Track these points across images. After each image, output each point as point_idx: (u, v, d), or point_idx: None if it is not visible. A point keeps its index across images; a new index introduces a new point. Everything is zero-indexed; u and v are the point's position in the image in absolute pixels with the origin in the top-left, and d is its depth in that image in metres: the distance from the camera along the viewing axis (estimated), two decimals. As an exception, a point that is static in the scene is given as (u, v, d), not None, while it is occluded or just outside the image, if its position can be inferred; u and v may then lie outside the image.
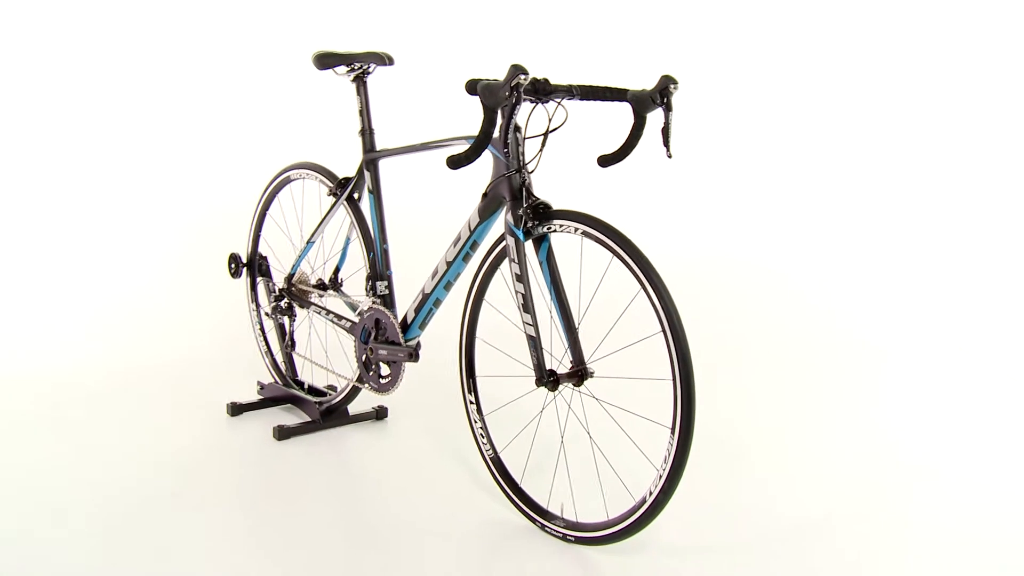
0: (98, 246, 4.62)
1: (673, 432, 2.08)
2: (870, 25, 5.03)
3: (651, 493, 2.14)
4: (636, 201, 4.89)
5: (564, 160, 3.27)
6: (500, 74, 2.15)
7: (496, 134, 2.17)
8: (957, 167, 4.92)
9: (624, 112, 2.38)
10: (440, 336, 3.04)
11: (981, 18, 4.87)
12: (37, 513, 2.56)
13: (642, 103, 2.34)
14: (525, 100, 2.23)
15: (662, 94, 2.30)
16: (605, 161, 2.42)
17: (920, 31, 4.97)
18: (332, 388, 3.46)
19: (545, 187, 2.49)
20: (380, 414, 3.37)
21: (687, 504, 2.51)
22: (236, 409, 3.41)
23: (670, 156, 2.34)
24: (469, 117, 3.25)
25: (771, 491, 2.72)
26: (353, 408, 3.33)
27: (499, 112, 2.16)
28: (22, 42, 4.52)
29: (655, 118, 2.37)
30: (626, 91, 2.36)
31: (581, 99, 2.32)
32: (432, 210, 4.27)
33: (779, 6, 5.10)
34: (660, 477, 2.11)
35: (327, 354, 3.39)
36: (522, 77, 2.10)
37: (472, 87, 2.17)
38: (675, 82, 2.30)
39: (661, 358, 2.09)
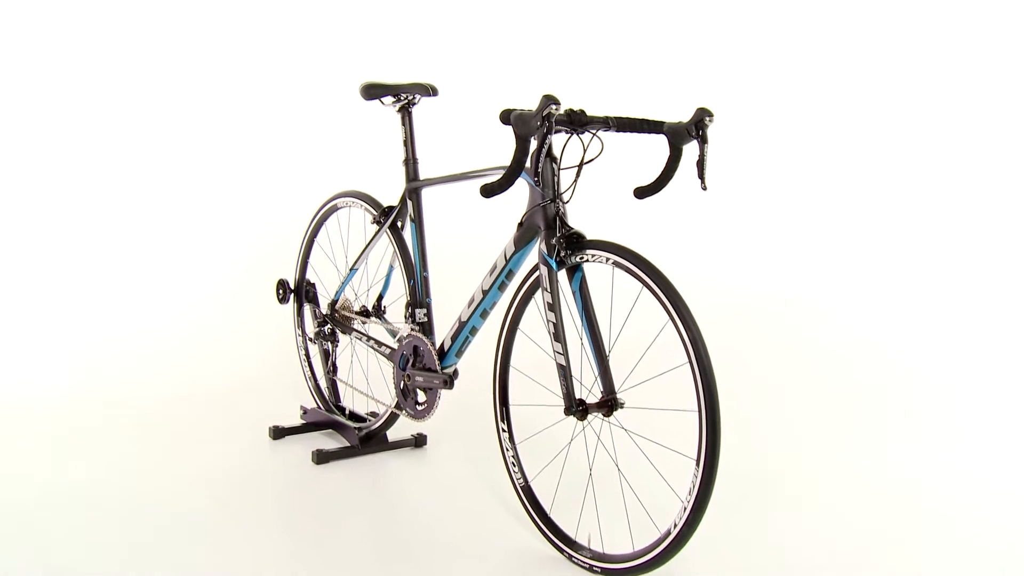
0: (152, 271, 4.75)
1: (698, 464, 2.06)
2: (905, 61, 5.00)
3: (676, 525, 2.12)
4: (671, 233, 4.90)
5: (601, 191, 3.29)
6: (535, 104, 2.18)
7: (528, 163, 2.20)
8: (979, 199, 4.84)
9: (660, 144, 2.40)
10: (481, 365, 3.06)
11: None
12: (82, 530, 2.63)
13: (678, 135, 2.35)
14: (561, 131, 2.27)
15: (698, 126, 2.31)
16: (641, 193, 2.43)
17: (954, 64, 4.93)
18: (373, 415, 3.49)
19: (581, 218, 2.51)
20: (419, 441, 3.39)
21: (714, 537, 2.49)
22: (278, 433, 3.46)
23: (705, 188, 2.35)
24: (510, 147, 3.31)
25: (799, 525, 2.68)
26: (392, 435, 3.36)
27: (531, 141, 2.19)
28: (86, 77, 4.69)
29: (691, 150, 2.37)
30: (662, 123, 2.37)
31: (617, 131, 2.34)
32: (472, 239, 4.31)
33: (817, 40, 5.10)
34: (685, 509, 2.09)
35: (368, 380, 3.43)
36: (553, 107, 2.13)
37: (506, 117, 2.21)
38: (711, 115, 2.30)
39: (690, 389, 2.08)
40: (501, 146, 3.45)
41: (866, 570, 2.40)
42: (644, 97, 4.95)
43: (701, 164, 2.33)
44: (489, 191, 2.20)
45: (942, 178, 4.96)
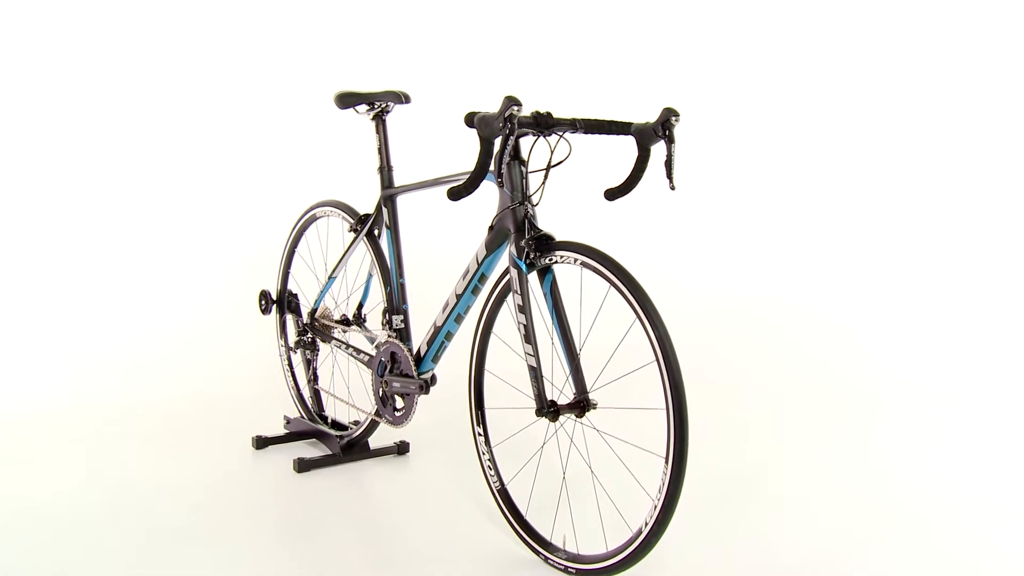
0: (134, 284, 4.75)
1: (667, 462, 2.06)
2: (874, 57, 5.04)
3: (647, 524, 2.12)
4: (641, 233, 4.94)
5: (571, 193, 3.30)
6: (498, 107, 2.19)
7: (492, 165, 2.21)
8: (960, 200, 4.88)
9: (629, 145, 2.40)
10: (464, 371, 3.06)
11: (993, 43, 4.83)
12: (65, 539, 2.63)
13: (645, 136, 2.36)
14: (528, 133, 2.28)
15: (664, 126, 2.32)
16: (612, 194, 2.43)
17: (924, 59, 4.96)
18: (357, 423, 3.49)
19: (552, 220, 2.52)
20: (402, 448, 3.39)
21: (690, 537, 2.50)
22: (261, 442, 3.47)
23: (673, 188, 2.36)
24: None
25: (775, 523, 2.68)
26: (375, 443, 3.36)
27: (495, 143, 2.20)
28: (66, 86, 4.71)
29: (659, 150, 2.38)
30: (630, 124, 2.38)
31: (585, 132, 2.35)
32: (448, 244, 4.32)
33: (781, 38, 5.14)
34: (655, 508, 2.09)
35: (348, 388, 3.43)
36: (515, 108, 2.14)
37: (470, 120, 2.22)
38: (677, 114, 2.31)
39: (660, 388, 2.09)
40: (474, 151, 3.47)
41: (846, 570, 2.39)
42: (612, 99, 4.98)
43: (669, 164, 2.34)
44: (456, 194, 2.21)
45: (912, 171, 5.00)
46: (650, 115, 2.41)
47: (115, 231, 4.78)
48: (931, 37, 5.00)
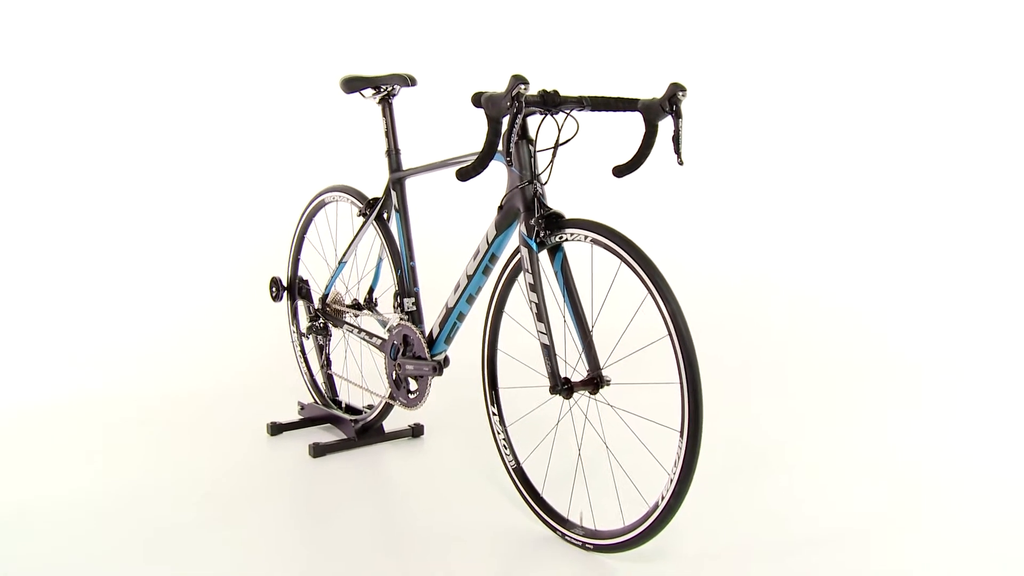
0: (145, 274, 4.76)
1: (682, 435, 2.07)
2: (885, 28, 5.01)
3: (663, 498, 2.13)
4: (649, 208, 4.93)
5: (580, 171, 3.30)
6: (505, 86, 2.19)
7: (500, 145, 2.21)
8: (974, 177, 4.87)
9: (636, 122, 2.40)
10: (476, 353, 3.07)
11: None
12: (82, 527, 2.65)
13: (652, 112, 2.36)
14: (535, 112, 2.28)
15: (671, 102, 2.32)
16: (620, 171, 2.43)
17: (941, 43, 4.93)
18: (371, 407, 3.51)
19: (561, 198, 2.52)
20: (416, 431, 3.41)
21: (706, 511, 2.51)
22: (276, 429, 3.48)
23: (681, 163, 2.35)
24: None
25: (791, 498, 2.69)
26: (390, 426, 3.38)
27: (503, 122, 2.20)
28: (69, 79, 4.71)
29: (666, 126, 2.38)
30: (636, 101, 2.38)
31: (592, 110, 2.35)
32: (458, 225, 4.32)
33: (790, 10, 5.11)
34: (671, 481, 2.10)
35: (362, 373, 3.44)
36: (522, 87, 2.14)
37: (477, 99, 2.22)
38: (683, 89, 2.31)
39: (674, 362, 2.09)
40: (481, 132, 3.47)
41: (862, 545, 2.40)
42: (618, 76, 4.97)
43: (676, 139, 2.34)
44: (464, 174, 2.21)
45: (924, 155, 4.97)
46: (656, 91, 2.41)
47: (125, 221, 4.79)
48: (942, 25, 4.96)
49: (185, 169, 4.90)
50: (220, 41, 4.93)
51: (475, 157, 2.48)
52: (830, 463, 2.99)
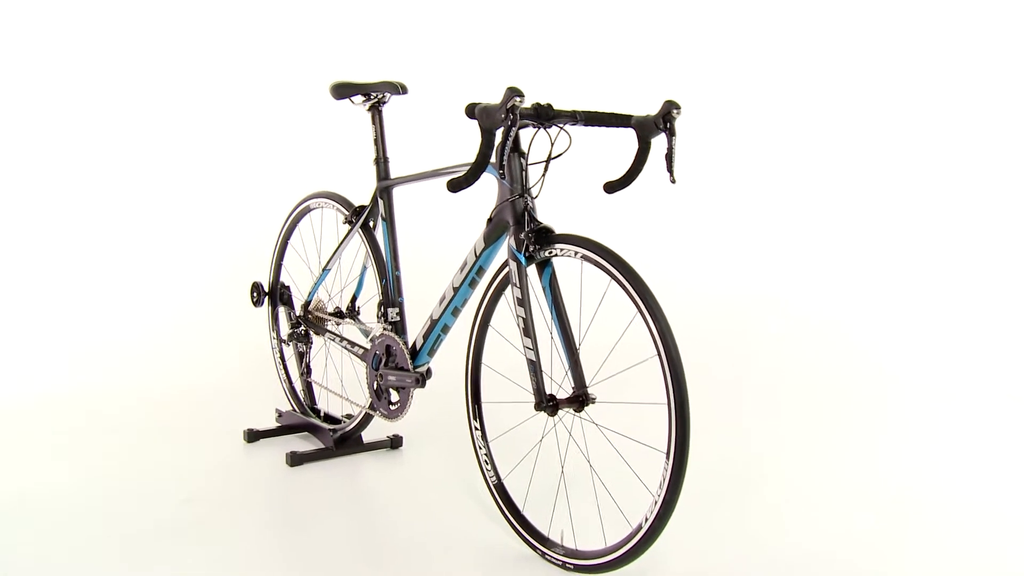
0: (124, 275, 4.71)
1: (668, 457, 2.05)
2: (877, 49, 5.04)
3: (647, 519, 2.10)
4: (640, 226, 4.92)
5: (571, 186, 3.28)
6: (500, 98, 2.17)
7: (494, 157, 2.19)
8: (966, 196, 4.88)
9: (628, 138, 2.38)
10: (459, 365, 3.04)
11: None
12: (52, 536, 2.59)
13: (646, 128, 2.34)
14: (528, 125, 2.26)
15: (665, 119, 2.30)
16: (611, 187, 2.41)
17: (924, 54, 4.96)
18: (349, 416, 3.47)
19: (551, 213, 2.50)
20: (395, 443, 3.37)
21: (690, 533, 2.48)
22: (253, 436, 3.44)
23: (674, 181, 2.34)
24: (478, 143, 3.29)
25: (776, 520, 2.66)
26: (368, 436, 3.33)
27: (496, 135, 2.17)
28: (56, 79, 4.65)
29: (659, 143, 2.36)
30: (630, 117, 2.36)
31: (585, 124, 2.33)
32: (444, 237, 4.29)
33: (784, 31, 5.13)
34: (656, 503, 2.08)
35: (342, 381, 3.40)
36: (517, 99, 2.12)
37: (470, 111, 2.19)
38: (678, 107, 2.29)
39: (662, 382, 2.07)
40: (472, 142, 3.43)
41: (844, 568, 2.38)
42: (610, 91, 4.96)
43: (670, 157, 2.32)
44: (456, 186, 2.18)
45: (912, 166, 4.99)
46: (650, 108, 2.39)
47: (106, 222, 4.73)
48: (930, 32, 4.99)
49: (171, 171, 4.84)
50: (211, 44, 4.89)
51: (466, 168, 2.47)
52: (817, 484, 2.96)
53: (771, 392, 4.06)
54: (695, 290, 4.85)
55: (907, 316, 4.66)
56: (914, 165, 4.99)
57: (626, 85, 5.03)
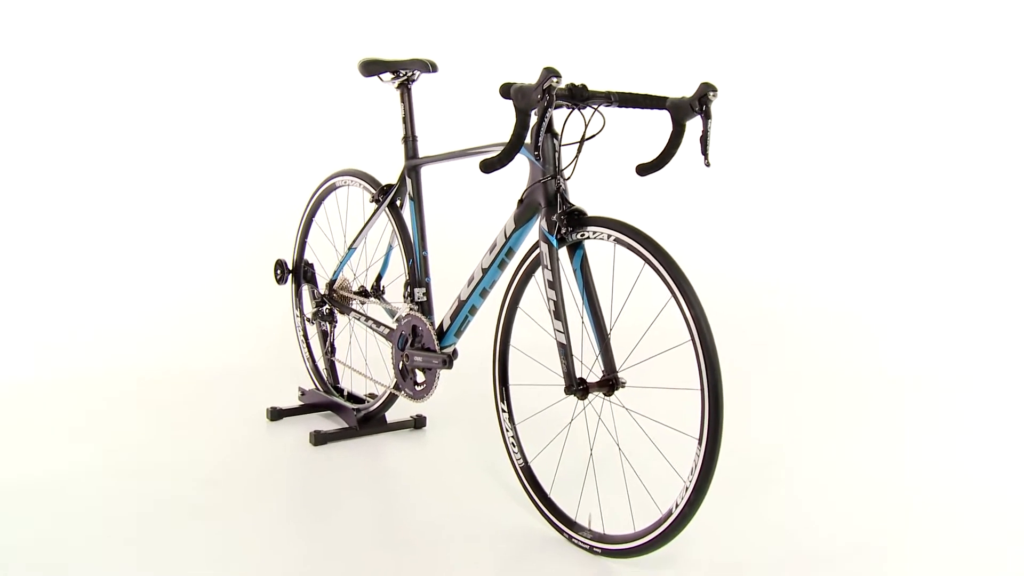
0: (147, 251, 4.71)
1: (700, 443, 2.03)
2: (918, 35, 4.95)
3: (677, 505, 2.09)
4: (673, 210, 4.86)
5: (602, 168, 3.25)
6: (536, 78, 2.14)
7: (528, 138, 2.16)
8: (996, 198, 4.81)
9: (663, 120, 2.35)
10: (482, 349, 3.02)
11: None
12: (77, 514, 2.59)
13: (681, 111, 2.31)
14: (562, 106, 2.23)
15: (701, 101, 2.26)
16: (644, 170, 2.38)
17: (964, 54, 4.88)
18: (372, 396, 3.47)
19: (582, 195, 2.47)
20: (418, 423, 3.36)
21: (717, 519, 2.46)
22: (276, 414, 3.44)
23: (708, 165, 2.31)
24: (511, 123, 3.26)
25: (803, 508, 2.64)
26: (392, 416, 3.33)
27: (531, 116, 2.15)
28: (70, 58, 4.63)
29: (694, 126, 2.33)
30: (665, 99, 2.33)
31: (619, 106, 2.30)
32: (472, 217, 4.27)
33: (825, 15, 5.04)
34: (687, 489, 2.06)
35: (367, 361, 3.39)
36: (554, 80, 2.09)
37: (505, 90, 2.17)
38: (714, 89, 2.26)
39: (693, 368, 2.05)
40: (502, 122, 3.39)
41: (874, 554, 2.36)
42: (646, 71, 4.90)
43: (705, 140, 2.28)
44: (489, 166, 2.16)
45: (956, 164, 4.92)
46: (683, 90, 2.36)
47: (133, 201, 4.72)
48: (962, 33, 4.91)
49: (198, 149, 4.83)
50: (240, 20, 4.86)
51: (500, 148, 2.45)
52: (836, 473, 2.94)
53: (797, 379, 4.03)
54: (724, 275, 4.80)
55: (929, 307, 4.62)
56: (954, 156, 4.91)
57: (658, 66, 4.97)
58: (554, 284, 2.28)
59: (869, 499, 2.72)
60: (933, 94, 4.96)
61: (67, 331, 4.35)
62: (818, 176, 5.07)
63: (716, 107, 2.28)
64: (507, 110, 2.25)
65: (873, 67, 5.03)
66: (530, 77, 2.13)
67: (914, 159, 4.97)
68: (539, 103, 2.11)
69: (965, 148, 4.92)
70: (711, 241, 4.95)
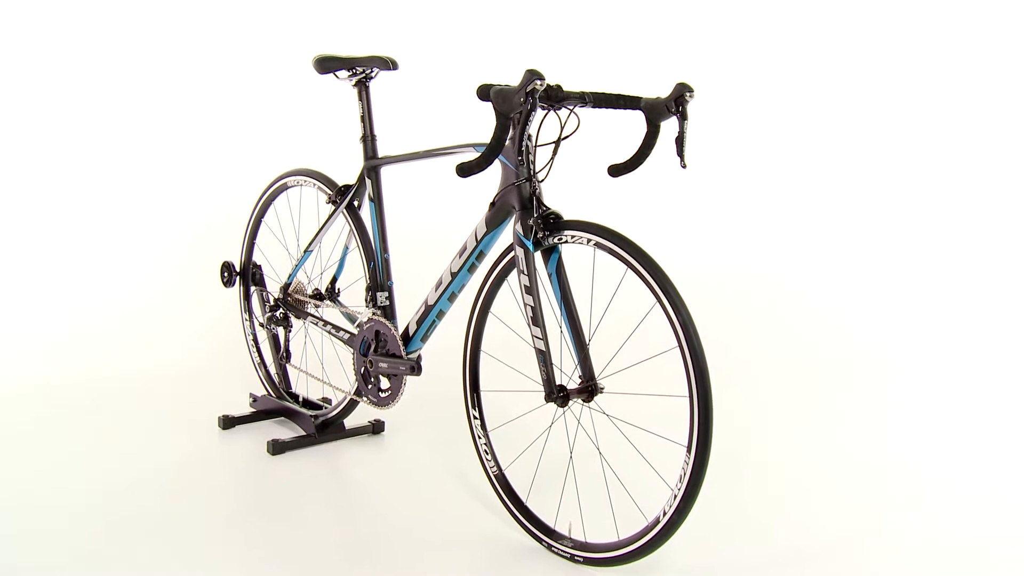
0: (86, 251, 4.52)
1: (689, 450, 2.01)
2: (893, 30, 4.98)
3: (665, 513, 2.07)
4: (645, 212, 4.79)
5: (572, 169, 3.20)
6: (508, 79, 2.09)
7: (509, 142, 2.11)
8: (972, 186, 4.89)
9: (636, 120, 2.32)
10: (437, 349, 2.95)
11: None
12: (19, 530, 2.47)
13: (656, 111, 2.27)
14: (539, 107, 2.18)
15: (677, 102, 2.23)
16: (616, 171, 2.34)
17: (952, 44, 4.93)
18: (327, 400, 3.38)
19: (553, 197, 2.42)
20: (376, 428, 3.29)
21: (697, 523, 2.44)
22: (228, 422, 3.32)
23: (684, 166, 2.28)
24: (473, 124, 3.20)
25: (783, 509, 2.65)
26: (349, 422, 3.25)
27: (512, 119, 2.10)
28: (17, 42, 4.42)
29: (669, 127, 2.30)
30: (639, 99, 2.29)
31: (594, 107, 2.25)
32: (433, 219, 4.18)
33: (798, 13, 5.04)
34: (675, 496, 2.04)
35: (323, 366, 3.30)
36: (538, 83, 2.04)
37: (484, 93, 2.10)
38: (691, 90, 2.23)
39: (670, 374, 2.03)
40: (463, 122, 3.34)
41: (856, 554, 2.37)
42: (615, 71, 4.82)
43: (681, 141, 2.25)
44: (466, 170, 2.10)
45: (928, 156, 4.96)
46: (652, 90, 2.33)
47: (69, 198, 4.52)
48: (944, 28, 4.95)
49: (141, 143, 4.64)
50: (187, 8, 4.67)
51: (464, 149, 2.40)
52: (821, 472, 2.95)
53: (776, 378, 4.01)
54: (699, 275, 4.73)
55: (917, 301, 4.63)
56: (927, 147, 4.93)
57: (624, 66, 4.87)
58: (531, 289, 2.23)
59: (851, 498, 2.72)
60: (913, 88, 4.97)
61: (3, 334, 4.15)
62: (795, 172, 5.05)
63: (692, 108, 2.25)
64: (469, 110, 2.20)
65: (849, 65, 5.03)
66: (496, 76, 2.08)
67: (897, 149, 4.98)
68: (521, 106, 2.05)
69: (939, 140, 4.95)
70: (685, 243, 4.88)
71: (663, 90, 2.28)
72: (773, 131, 5.10)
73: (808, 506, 2.67)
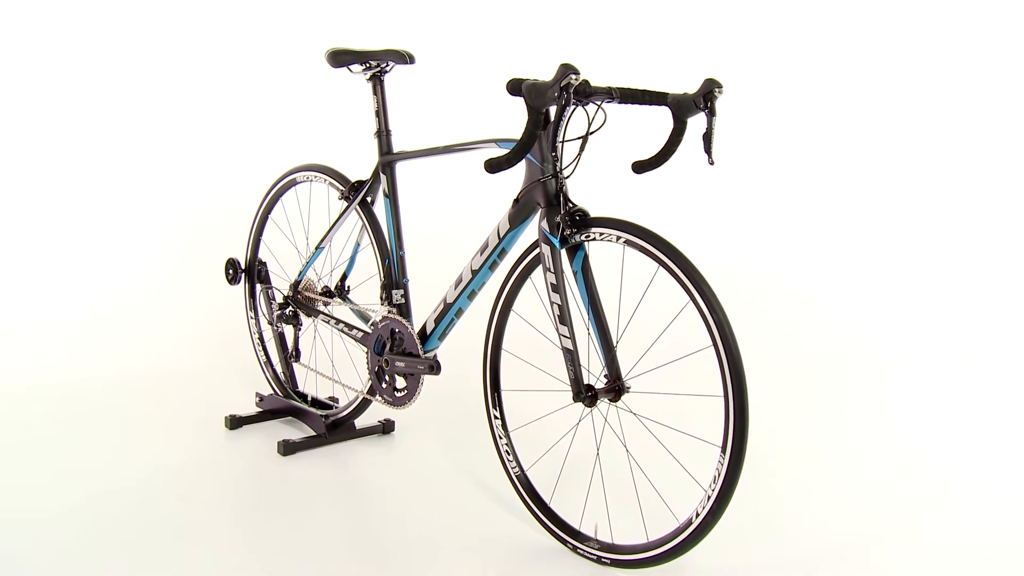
0: (91, 249, 4.46)
1: (724, 451, 1.98)
2: (925, 32, 4.93)
3: (698, 514, 2.04)
4: (671, 209, 4.68)
5: (596, 165, 3.17)
6: (525, 74, 2.05)
7: (545, 139, 2.08)
8: (973, 186, 4.86)
9: (662, 116, 2.28)
10: (449, 347, 2.91)
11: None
12: (25, 533, 2.42)
13: (683, 107, 2.23)
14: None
15: (706, 98, 2.19)
16: (640, 167, 2.30)
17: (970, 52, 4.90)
18: (334, 399, 3.34)
19: (576, 193, 2.39)
20: (386, 428, 3.24)
21: (721, 524, 2.42)
22: (235, 422, 3.27)
23: (712, 163, 2.24)
24: (491, 119, 3.15)
25: (805, 510, 2.62)
26: (358, 422, 3.20)
27: (544, 114, 2.06)
28: (19, 38, 4.35)
29: (696, 123, 2.27)
30: (666, 94, 2.25)
31: (620, 102, 2.22)
32: (448, 216, 4.13)
33: (830, 10, 4.97)
34: (708, 498, 2.01)
35: (334, 365, 3.25)
36: (573, 77, 2.00)
37: (516, 87, 2.07)
38: (720, 86, 2.19)
39: (700, 373, 2.00)
40: (482, 118, 3.29)
41: (877, 555, 2.36)
42: (637, 66, 4.74)
43: (708, 138, 2.21)
44: (496, 166, 2.07)
45: (928, 157, 4.90)
46: (680, 86, 2.29)
47: (75, 196, 4.45)
48: (959, 35, 4.91)
49: (148, 138, 4.57)
50: (197, 5, 4.60)
51: (486, 147, 2.37)
52: (840, 474, 2.92)
53: (772, 381, 3.95)
54: (725, 273, 4.64)
55: (925, 301, 4.59)
56: (947, 155, 4.89)
57: (647, 61, 4.78)
58: (558, 288, 2.20)
59: (872, 500, 2.70)
60: (913, 88, 4.92)
61: (8, 334, 4.09)
62: (824, 172, 4.97)
63: (721, 104, 2.22)
64: (488, 105, 2.16)
65: (875, 62, 4.94)
66: (513, 71, 2.04)
67: (891, 152, 4.93)
68: (555, 101, 2.02)
69: (939, 141, 4.88)
70: (711, 241, 4.77)
71: (687, 86, 2.24)
72: (802, 127, 4.97)
73: (828, 508, 2.64)
